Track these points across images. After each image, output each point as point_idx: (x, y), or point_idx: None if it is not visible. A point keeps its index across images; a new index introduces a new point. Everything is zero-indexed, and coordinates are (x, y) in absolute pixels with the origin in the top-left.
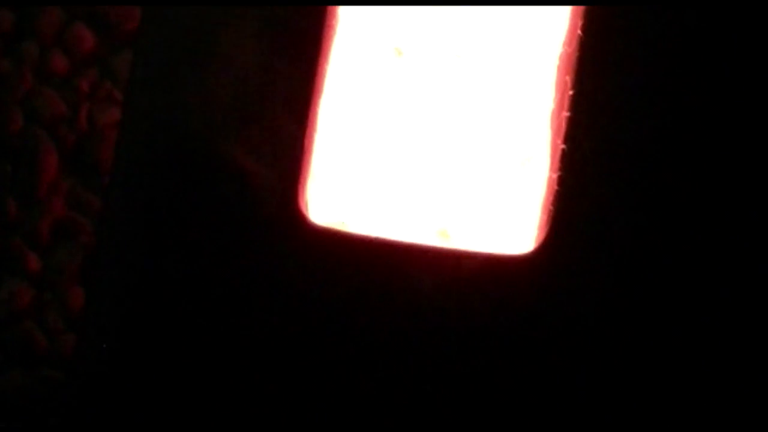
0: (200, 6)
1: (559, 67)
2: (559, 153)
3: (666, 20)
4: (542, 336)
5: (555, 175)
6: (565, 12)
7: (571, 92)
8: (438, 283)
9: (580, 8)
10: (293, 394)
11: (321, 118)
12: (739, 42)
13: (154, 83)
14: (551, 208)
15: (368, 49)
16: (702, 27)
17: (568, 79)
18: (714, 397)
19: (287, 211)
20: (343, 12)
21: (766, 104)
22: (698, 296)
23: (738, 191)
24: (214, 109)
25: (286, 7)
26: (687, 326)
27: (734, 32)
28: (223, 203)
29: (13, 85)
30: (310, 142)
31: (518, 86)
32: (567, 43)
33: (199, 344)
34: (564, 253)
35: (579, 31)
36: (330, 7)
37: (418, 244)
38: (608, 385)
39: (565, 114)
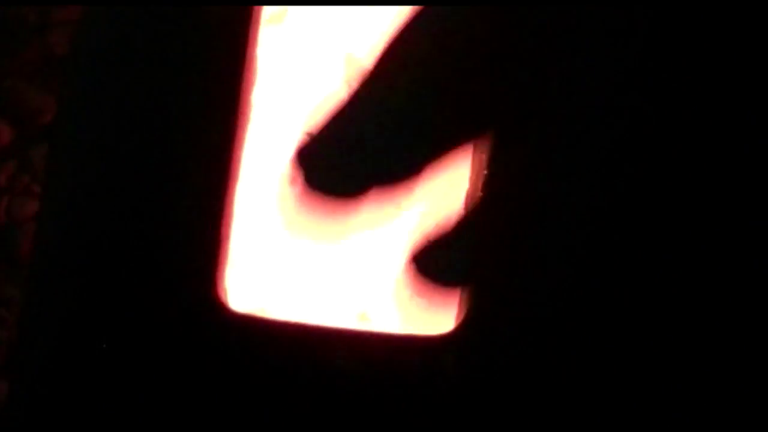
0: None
1: (473, 153)
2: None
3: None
4: (467, 415)
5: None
6: None
7: (485, 172)
8: (360, 366)
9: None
10: None
11: (238, 204)
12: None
13: (70, 175)
14: (470, 287)
15: (282, 135)
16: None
17: (483, 157)
18: None
19: (206, 298)
20: (256, 98)
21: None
22: (626, 372)
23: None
24: (129, 196)
25: (201, 97)
26: (613, 402)
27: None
28: (141, 291)
29: None
30: (227, 230)
31: (437, 170)
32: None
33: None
34: (486, 330)
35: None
36: (243, 94)
37: (338, 327)
38: None
39: (479, 194)
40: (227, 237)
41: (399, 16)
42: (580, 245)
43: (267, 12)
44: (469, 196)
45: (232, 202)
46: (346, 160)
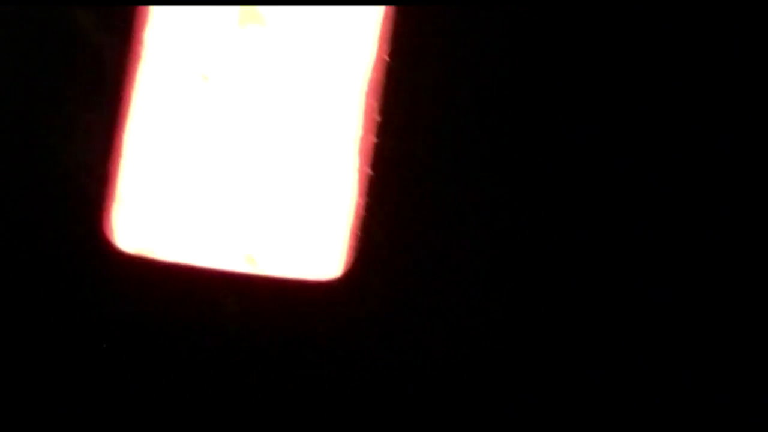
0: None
1: (366, 93)
2: (365, 179)
3: (471, 47)
4: (352, 360)
5: (362, 200)
6: (372, 37)
7: (378, 118)
8: (245, 309)
9: (387, 33)
10: (99, 414)
11: (127, 144)
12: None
13: None
14: (358, 233)
15: (174, 75)
16: (504, 57)
17: (375, 104)
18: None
19: (93, 238)
20: (150, 38)
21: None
22: (500, 321)
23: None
24: (19, 135)
25: (94, 33)
26: (490, 345)
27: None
28: (31, 230)
29: None
30: (116, 169)
31: (325, 112)
32: (374, 69)
33: (7, 366)
34: (371, 278)
35: (385, 57)
36: (137, 34)
37: (225, 270)
38: (418, 407)
39: (372, 140)
40: (116, 177)
41: None
42: (468, 206)
43: None
44: (362, 142)
45: (121, 143)
46: None
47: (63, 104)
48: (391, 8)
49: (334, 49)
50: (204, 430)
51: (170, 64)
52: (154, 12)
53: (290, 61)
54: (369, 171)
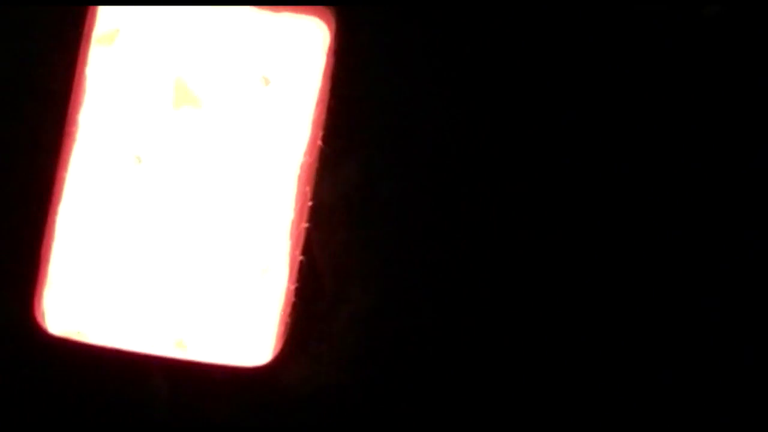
0: None
1: (299, 178)
2: (297, 264)
3: (405, 132)
4: None
5: (293, 287)
6: (306, 122)
7: (310, 203)
8: (175, 394)
9: (320, 118)
10: None
11: (59, 225)
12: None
13: None
14: (288, 319)
15: (107, 157)
16: (439, 145)
17: (308, 189)
18: None
19: (22, 320)
20: (83, 119)
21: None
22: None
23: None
24: None
25: (27, 113)
26: None
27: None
28: None
29: None
30: (48, 251)
31: (257, 196)
32: (307, 153)
33: None
34: (300, 363)
35: (319, 142)
36: (70, 113)
37: (154, 354)
38: None
39: (304, 225)
40: (47, 258)
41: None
42: (402, 282)
43: (98, 32)
44: (294, 227)
45: (53, 224)
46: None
47: None
48: (325, 93)
49: (268, 132)
50: None
51: (103, 146)
52: (88, 93)
53: (224, 144)
54: (300, 256)
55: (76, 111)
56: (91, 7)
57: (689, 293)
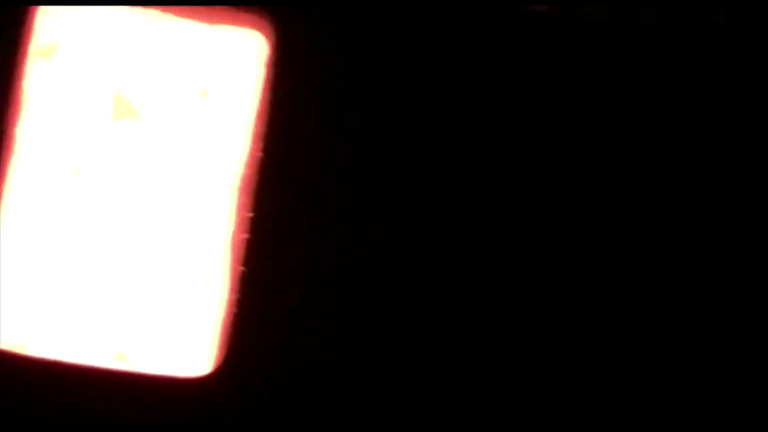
0: None
1: (238, 189)
2: (237, 275)
3: (346, 144)
4: None
5: (233, 297)
6: (245, 133)
7: (250, 214)
8: (115, 406)
9: (259, 130)
10: None
11: None
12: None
13: None
14: (229, 330)
15: (45, 170)
16: (382, 156)
17: (248, 201)
18: None
19: None
20: (20, 133)
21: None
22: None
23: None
24: None
25: None
26: None
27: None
28: None
29: None
30: None
31: (196, 207)
32: (247, 165)
33: None
34: (241, 374)
35: (258, 153)
36: (8, 127)
37: (95, 366)
38: None
39: (244, 236)
40: None
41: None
42: (337, 300)
43: (37, 46)
44: (234, 238)
45: None
46: None
47: None
48: (264, 105)
49: (206, 144)
50: None
51: (42, 159)
52: (26, 106)
53: (162, 155)
54: (240, 267)
55: (14, 125)
56: (29, 21)
57: (689, 293)
